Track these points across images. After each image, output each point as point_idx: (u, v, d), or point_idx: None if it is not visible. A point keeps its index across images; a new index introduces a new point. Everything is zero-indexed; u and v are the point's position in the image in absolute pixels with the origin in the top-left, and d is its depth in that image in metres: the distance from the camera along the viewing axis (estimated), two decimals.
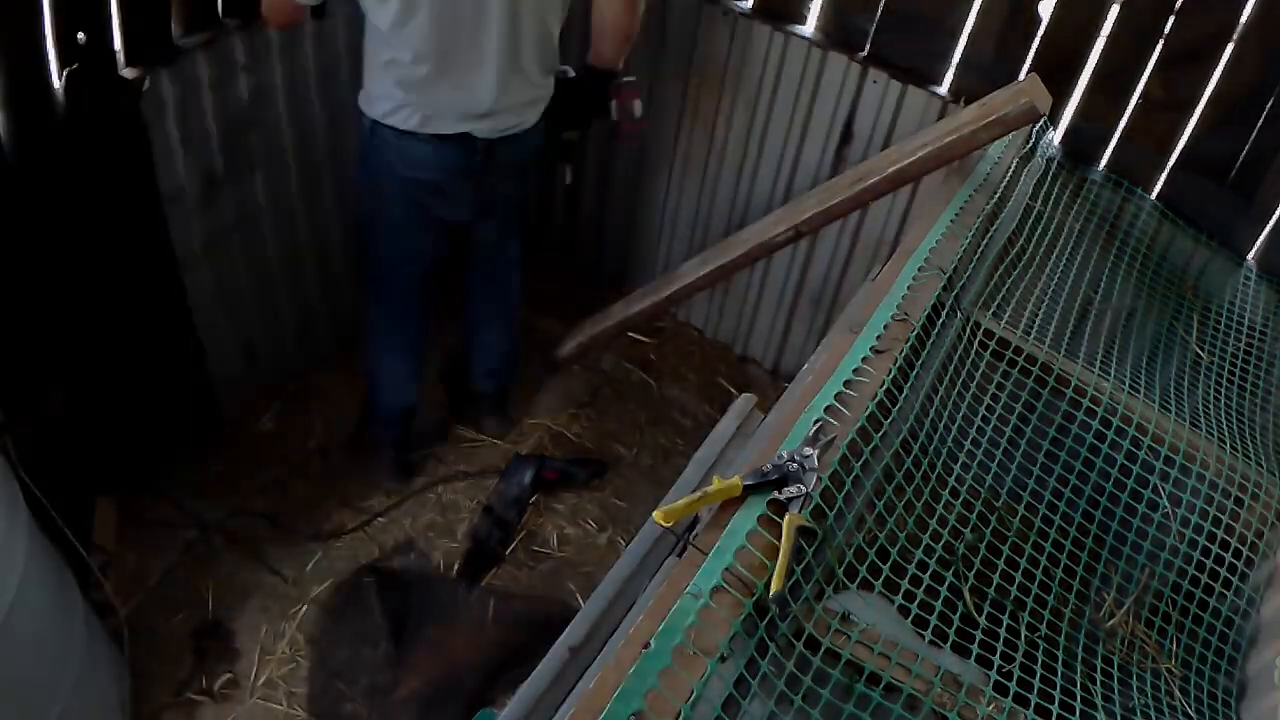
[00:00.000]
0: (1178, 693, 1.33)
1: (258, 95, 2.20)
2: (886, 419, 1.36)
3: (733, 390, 2.92)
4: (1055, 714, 1.17)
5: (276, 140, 2.31)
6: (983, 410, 1.53)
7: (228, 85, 2.13)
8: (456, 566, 2.37)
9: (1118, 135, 2.22)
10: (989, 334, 1.63)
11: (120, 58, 1.95)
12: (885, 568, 1.22)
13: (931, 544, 1.30)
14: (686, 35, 2.60)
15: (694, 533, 1.20)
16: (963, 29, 2.26)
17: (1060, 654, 1.28)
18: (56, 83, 1.86)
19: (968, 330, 1.61)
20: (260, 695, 2.09)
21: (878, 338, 1.46)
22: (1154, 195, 2.23)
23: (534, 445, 2.71)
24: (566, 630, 1.38)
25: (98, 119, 1.92)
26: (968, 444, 1.48)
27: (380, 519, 2.46)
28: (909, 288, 1.59)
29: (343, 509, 2.48)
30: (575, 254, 3.28)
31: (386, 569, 2.34)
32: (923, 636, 1.18)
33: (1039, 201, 1.99)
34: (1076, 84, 2.20)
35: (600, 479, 2.66)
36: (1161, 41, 2.06)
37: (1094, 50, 2.17)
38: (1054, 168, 2.12)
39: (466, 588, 2.32)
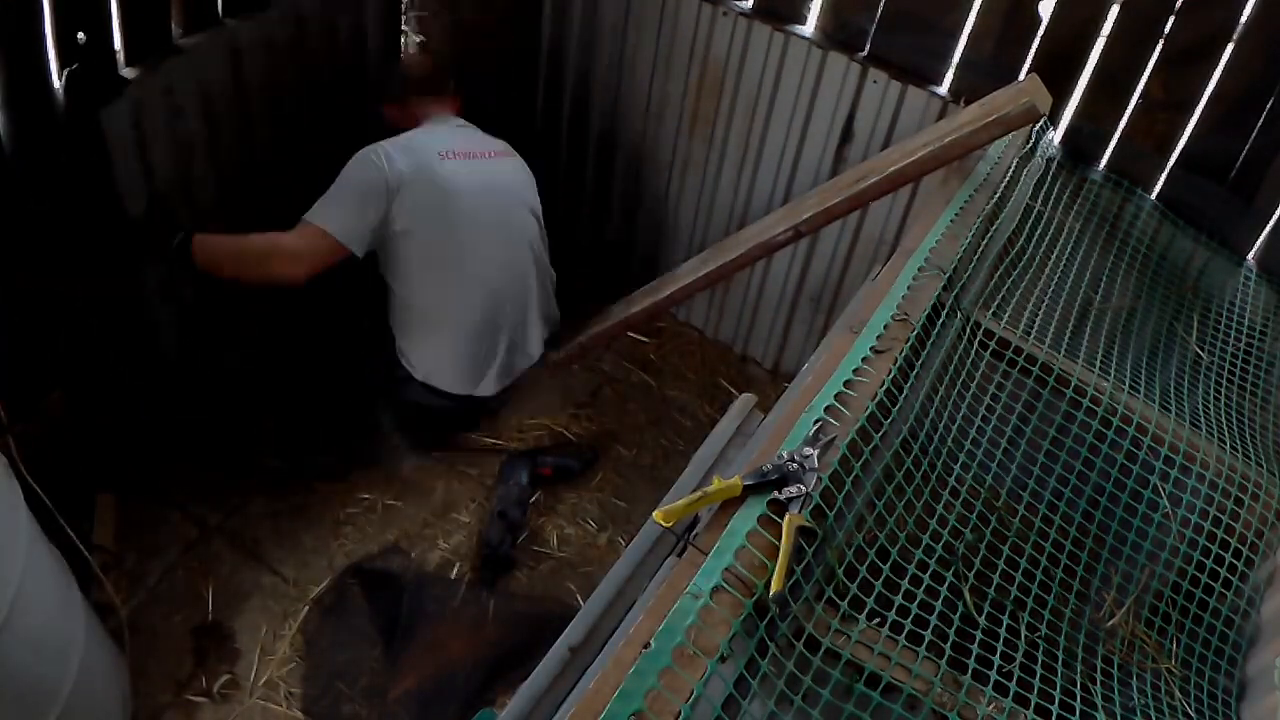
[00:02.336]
0: (1178, 693, 1.33)
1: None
2: (886, 419, 1.36)
3: (733, 390, 2.92)
4: (1055, 714, 1.17)
5: None
6: (983, 410, 1.53)
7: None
8: (468, 577, 2.36)
9: (1118, 135, 2.22)
10: (989, 334, 1.63)
11: (120, 58, 1.95)
12: (885, 567, 1.22)
13: (931, 544, 1.30)
14: (686, 35, 2.60)
15: (694, 533, 1.20)
16: (962, 29, 2.26)
17: (1060, 654, 1.29)
18: (56, 83, 1.86)
19: (968, 330, 1.61)
20: (260, 695, 2.08)
21: (878, 338, 1.47)
22: (1154, 195, 2.23)
23: (530, 445, 2.70)
24: (566, 630, 1.38)
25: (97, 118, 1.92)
26: (968, 444, 1.48)
27: (374, 515, 2.46)
28: (909, 288, 1.59)
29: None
30: (572, 254, 3.27)
31: (371, 570, 2.33)
32: (923, 636, 1.18)
33: (1039, 201, 1.99)
34: (1076, 84, 2.20)
35: (591, 466, 2.66)
36: (1161, 41, 2.06)
37: (1094, 50, 2.17)
38: (1054, 168, 2.12)
39: (473, 590, 2.32)
